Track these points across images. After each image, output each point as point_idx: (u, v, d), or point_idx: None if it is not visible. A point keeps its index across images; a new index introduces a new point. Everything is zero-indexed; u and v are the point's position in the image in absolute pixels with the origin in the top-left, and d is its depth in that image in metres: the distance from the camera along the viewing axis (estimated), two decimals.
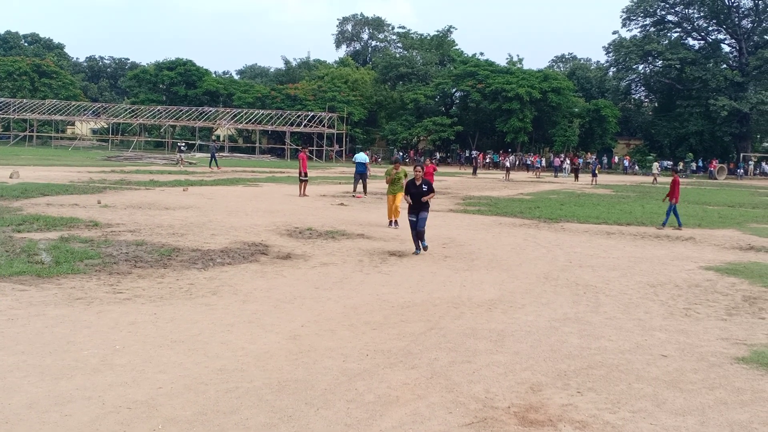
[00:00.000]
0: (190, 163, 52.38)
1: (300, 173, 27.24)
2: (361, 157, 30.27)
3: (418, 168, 14.18)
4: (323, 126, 75.81)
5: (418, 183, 13.91)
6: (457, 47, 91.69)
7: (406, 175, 17.65)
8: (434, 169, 26.09)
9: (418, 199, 13.72)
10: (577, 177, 54.45)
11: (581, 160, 68.51)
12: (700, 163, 75.35)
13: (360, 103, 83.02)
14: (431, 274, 11.73)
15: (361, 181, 29.17)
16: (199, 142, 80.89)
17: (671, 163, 71.22)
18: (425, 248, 13.77)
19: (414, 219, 13.74)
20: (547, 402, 5.93)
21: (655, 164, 60.63)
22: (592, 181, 49.01)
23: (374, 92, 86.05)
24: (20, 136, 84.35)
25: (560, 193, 36.67)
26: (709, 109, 75.61)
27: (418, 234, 13.74)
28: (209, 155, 48.74)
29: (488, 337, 7.87)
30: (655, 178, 55.29)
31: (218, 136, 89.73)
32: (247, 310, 8.68)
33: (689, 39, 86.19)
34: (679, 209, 20.77)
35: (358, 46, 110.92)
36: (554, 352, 7.36)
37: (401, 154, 76.60)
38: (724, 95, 76.08)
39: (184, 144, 60.13)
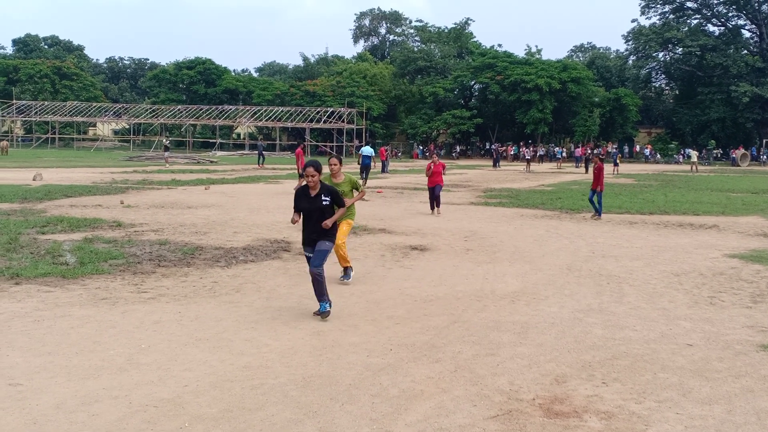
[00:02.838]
0: (204, 162, 52.59)
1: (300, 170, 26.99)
2: (367, 150, 33.63)
3: (311, 169, 8.15)
4: (343, 121, 75.87)
5: (313, 194, 8.22)
6: (475, 39, 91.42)
7: (355, 186, 10.93)
8: (444, 167, 20.86)
9: (315, 220, 8.24)
10: (587, 169, 50.50)
11: (588, 151, 65.39)
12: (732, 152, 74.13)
13: (379, 97, 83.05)
14: (453, 267, 11.71)
15: (364, 172, 32.19)
16: (219, 140, 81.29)
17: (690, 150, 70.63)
18: (323, 313, 8.16)
19: (310, 255, 8.37)
20: (572, 393, 5.91)
21: (694, 153, 60.17)
22: (614, 170, 48.73)
23: (393, 86, 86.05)
24: (42, 139, 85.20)
25: (582, 183, 36.46)
26: (730, 96, 74.84)
27: (314, 280, 8.21)
28: (257, 153, 50.81)
29: (512, 329, 7.85)
30: (695, 166, 55.09)
31: (238, 134, 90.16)
32: (270, 306, 8.72)
33: (709, 25, 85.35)
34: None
35: (375, 40, 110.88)
36: (578, 344, 7.33)
37: (420, 147, 76.47)
38: (746, 81, 75.25)
39: (168, 141, 59.18)
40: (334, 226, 8.51)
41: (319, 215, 8.23)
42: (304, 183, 8.30)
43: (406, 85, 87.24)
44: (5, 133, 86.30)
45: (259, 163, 47.84)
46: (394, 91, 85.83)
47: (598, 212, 19.50)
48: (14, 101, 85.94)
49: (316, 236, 8.29)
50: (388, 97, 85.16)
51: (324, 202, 8.21)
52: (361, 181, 27.52)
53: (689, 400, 5.81)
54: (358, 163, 34.37)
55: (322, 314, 8.09)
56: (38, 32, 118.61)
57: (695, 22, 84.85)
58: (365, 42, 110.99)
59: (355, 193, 10.79)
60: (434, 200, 19.87)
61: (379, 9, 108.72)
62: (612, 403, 5.70)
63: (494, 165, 57.61)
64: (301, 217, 8.40)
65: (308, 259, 8.42)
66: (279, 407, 5.47)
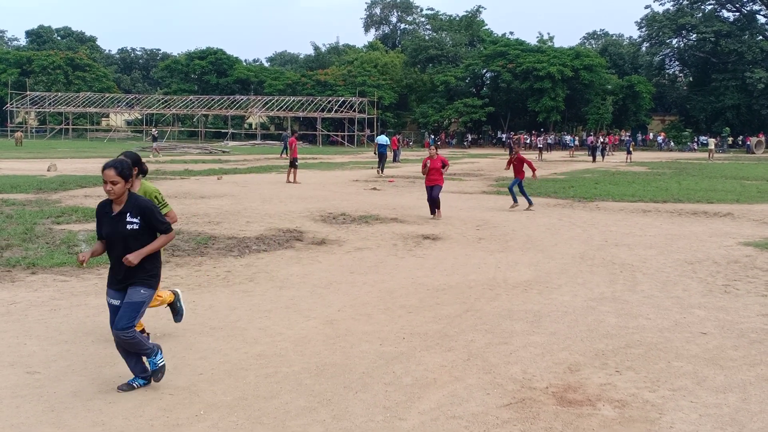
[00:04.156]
0: (217, 152, 52.63)
1: (292, 159, 26.40)
2: (382, 139, 35.46)
3: (111, 171, 5.44)
4: (354, 111, 75.83)
5: (116, 211, 5.56)
6: (486, 27, 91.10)
7: (157, 200, 7.43)
8: (444, 163, 16.97)
9: (118, 254, 5.46)
10: (594, 158, 48.83)
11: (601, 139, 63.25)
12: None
13: (390, 86, 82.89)
14: (466, 256, 11.71)
15: (381, 160, 33.35)
16: (231, 131, 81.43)
17: (706, 138, 70.21)
18: (136, 383, 5.54)
19: (117, 303, 5.50)
20: (586, 382, 5.91)
21: (712, 140, 59.74)
22: (627, 158, 48.49)
23: (404, 75, 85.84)
24: (56, 130, 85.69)
25: (594, 171, 36.34)
26: (745, 82, 74.27)
27: (121, 349, 5.53)
28: (281, 143, 50.78)
29: (524, 318, 7.85)
30: (710, 154, 54.93)
31: (250, 124, 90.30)
32: (283, 296, 8.75)
33: (723, 11, 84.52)
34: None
35: (387, 29, 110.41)
36: (591, 332, 7.33)
37: (432, 137, 76.35)
38: (761, 67, 74.68)
39: (156, 131, 57.21)
40: (156, 261, 5.62)
41: (123, 246, 5.40)
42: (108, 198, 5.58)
43: (418, 73, 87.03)
44: (19, 124, 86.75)
45: (282, 153, 46.99)
46: (405, 80, 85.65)
47: (521, 201, 18.45)
48: (28, 92, 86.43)
49: (123, 277, 5.44)
50: (400, 86, 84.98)
51: (130, 226, 5.41)
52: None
53: (704, 388, 5.80)
54: (375, 153, 35.21)
55: (128, 386, 5.51)
56: (51, 23, 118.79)
57: (709, 7, 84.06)
58: (376, 31, 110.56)
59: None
60: (433, 203, 16.56)
61: None
62: (626, 391, 5.70)
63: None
64: (105, 244, 5.57)
65: (112, 309, 5.51)
66: (293, 395, 5.51)
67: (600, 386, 5.81)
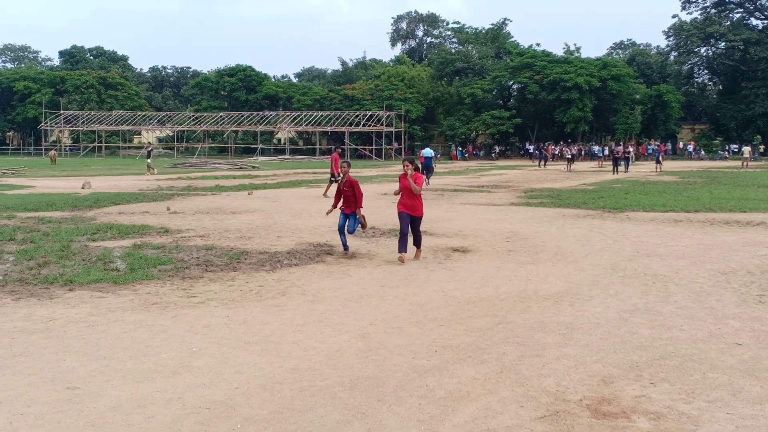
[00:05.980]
0: (246, 168, 52.98)
1: (332, 174, 26.59)
2: (428, 151, 36.29)
3: None
4: (381, 124, 76.11)
5: None
6: (512, 39, 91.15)
7: None
8: (420, 179, 12.88)
9: None
10: (616, 170, 45.39)
11: (631, 149, 58.91)
12: None
13: (417, 100, 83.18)
14: (496, 268, 11.70)
15: (426, 172, 33.69)
16: (260, 146, 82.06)
17: (737, 146, 69.46)
18: None
19: None
20: (620, 394, 5.89)
21: (747, 148, 59.08)
22: (657, 168, 48.09)
23: (431, 89, 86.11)
24: (89, 147, 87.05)
25: (624, 181, 36.09)
26: None
27: None
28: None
29: (556, 330, 7.84)
30: (745, 162, 54.26)
31: (279, 140, 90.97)
32: (316, 310, 8.81)
33: (752, 19, 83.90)
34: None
35: (413, 43, 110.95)
36: (625, 344, 7.30)
37: (459, 149, 76.20)
38: None
39: (152, 147, 56.06)
40: None
41: None
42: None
43: (444, 86, 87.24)
44: (53, 142, 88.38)
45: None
46: (432, 93, 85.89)
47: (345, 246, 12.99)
48: (62, 111, 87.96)
49: None
50: (427, 99, 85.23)
51: None
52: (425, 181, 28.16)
53: (740, 399, 5.76)
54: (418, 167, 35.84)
55: None
56: (84, 44, 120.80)
57: (737, 16, 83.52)
58: (403, 45, 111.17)
59: None
60: (405, 237, 12.38)
61: (416, 12, 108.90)
62: (661, 403, 5.68)
63: (543, 164, 56.96)
64: None
65: None
66: (328, 408, 5.56)
67: (635, 398, 5.79)
